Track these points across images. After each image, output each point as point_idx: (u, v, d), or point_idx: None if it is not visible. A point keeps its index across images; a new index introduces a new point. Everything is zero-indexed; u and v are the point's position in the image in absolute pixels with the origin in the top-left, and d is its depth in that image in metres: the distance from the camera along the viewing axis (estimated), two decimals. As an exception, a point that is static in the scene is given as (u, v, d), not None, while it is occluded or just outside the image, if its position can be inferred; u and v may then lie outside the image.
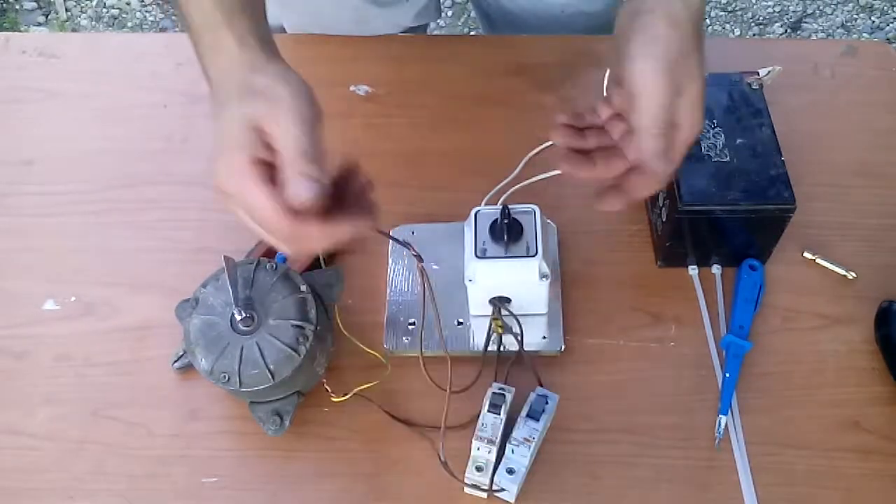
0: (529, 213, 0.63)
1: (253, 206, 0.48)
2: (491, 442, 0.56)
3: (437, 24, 1.92)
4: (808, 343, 0.67)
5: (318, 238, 0.51)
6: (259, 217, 0.49)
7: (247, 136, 0.48)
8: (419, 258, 0.63)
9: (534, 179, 0.75)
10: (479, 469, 0.57)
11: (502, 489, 0.58)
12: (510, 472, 0.57)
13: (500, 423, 0.57)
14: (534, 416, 0.58)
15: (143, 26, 2.08)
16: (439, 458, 0.59)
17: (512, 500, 0.59)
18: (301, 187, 0.47)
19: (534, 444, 0.57)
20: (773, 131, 0.68)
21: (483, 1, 1.01)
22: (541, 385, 0.61)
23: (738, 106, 0.70)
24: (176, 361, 0.65)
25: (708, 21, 2.10)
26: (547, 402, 0.58)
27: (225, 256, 0.57)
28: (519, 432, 0.57)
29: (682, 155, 0.55)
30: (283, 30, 0.96)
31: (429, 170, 0.78)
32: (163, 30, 2.07)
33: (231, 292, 0.57)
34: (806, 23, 2.06)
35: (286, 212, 0.48)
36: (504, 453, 0.58)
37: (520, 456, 0.57)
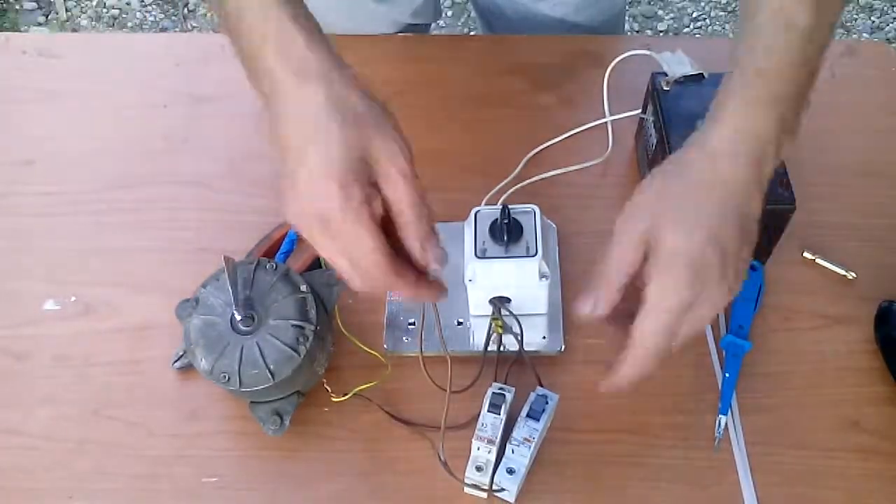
0: (529, 213, 0.63)
1: (359, 250, 0.45)
2: (491, 442, 0.56)
3: (437, 24, 1.92)
4: (808, 343, 0.67)
5: (405, 291, 0.48)
6: (361, 263, 0.46)
7: (356, 166, 0.45)
8: (419, 258, 0.63)
9: (534, 179, 0.75)
10: (478, 469, 0.57)
11: (502, 489, 0.58)
12: (510, 471, 0.57)
13: (500, 423, 0.57)
14: (534, 415, 0.58)
15: (143, 26, 2.08)
16: (439, 458, 0.59)
17: (512, 500, 0.59)
18: (436, 258, 0.47)
19: (534, 443, 0.57)
20: (773, 131, 0.68)
21: (482, 2, 1.01)
22: (541, 385, 0.61)
23: (738, 106, 0.70)
24: (176, 361, 0.65)
25: (708, 21, 2.10)
26: (547, 402, 0.58)
27: (225, 256, 0.57)
28: (519, 432, 0.57)
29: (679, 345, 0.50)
30: None
31: (429, 170, 0.77)
32: (163, 30, 2.07)
33: (231, 292, 0.57)
34: (806, 23, 2.05)
35: (393, 265, 0.46)
36: (504, 453, 0.58)
37: (520, 456, 0.57)
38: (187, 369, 0.65)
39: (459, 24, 2.06)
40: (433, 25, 1.10)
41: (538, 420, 0.57)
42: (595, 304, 0.50)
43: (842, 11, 0.50)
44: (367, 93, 0.47)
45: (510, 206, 0.61)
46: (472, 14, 2.04)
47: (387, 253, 0.46)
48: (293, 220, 0.47)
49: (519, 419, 0.58)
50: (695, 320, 0.48)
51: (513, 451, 0.57)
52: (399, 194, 0.46)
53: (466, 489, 0.59)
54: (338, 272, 0.48)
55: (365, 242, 0.45)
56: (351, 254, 0.46)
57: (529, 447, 0.57)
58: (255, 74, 0.49)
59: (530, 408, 0.58)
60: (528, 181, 0.75)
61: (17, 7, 2.10)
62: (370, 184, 0.46)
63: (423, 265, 0.48)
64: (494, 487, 0.57)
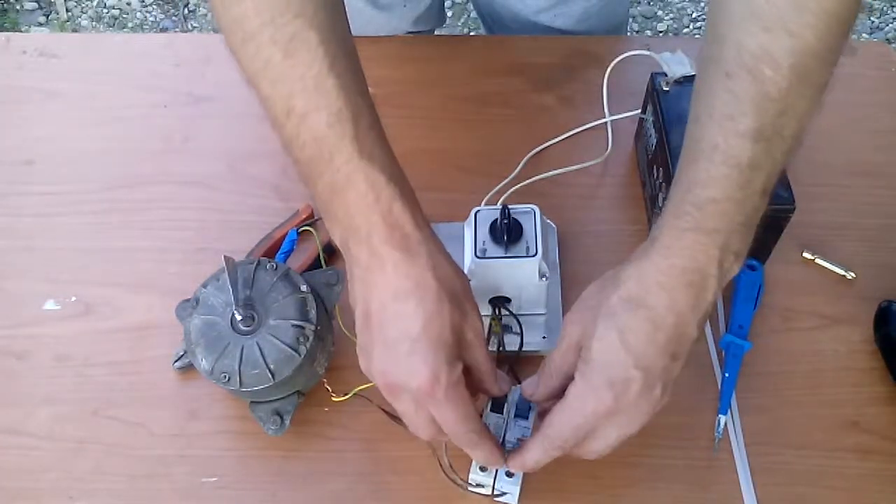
0: (529, 213, 0.63)
1: (451, 419, 0.48)
2: None
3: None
4: (807, 343, 0.67)
5: (479, 457, 0.53)
6: (450, 429, 0.49)
7: (454, 340, 0.47)
8: (419, 258, 0.63)
9: (534, 179, 0.75)
10: (482, 469, 0.57)
11: (504, 493, 0.57)
12: (508, 475, 0.57)
13: (503, 423, 0.57)
14: (522, 414, 0.57)
15: (144, 26, 2.08)
16: (440, 463, 0.59)
17: (514, 503, 0.59)
18: (504, 390, 0.54)
19: None
20: (773, 131, 0.68)
21: (484, 10, 1.01)
22: (519, 382, 0.60)
23: (737, 106, 0.70)
24: (176, 361, 0.65)
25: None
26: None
27: (225, 256, 0.57)
28: (512, 434, 0.57)
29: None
30: None
31: (428, 170, 0.78)
32: (163, 30, 2.07)
33: (231, 292, 0.58)
34: (806, 23, 2.05)
35: (480, 436, 0.50)
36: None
37: None
38: (187, 369, 0.65)
39: (459, 24, 2.06)
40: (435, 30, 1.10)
41: (527, 418, 0.57)
42: (535, 391, 0.55)
43: (802, 133, 0.49)
44: (454, 263, 0.50)
45: (510, 206, 0.61)
46: (473, 14, 2.04)
47: (478, 427, 0.50)
48: (379, 381, 0.49)
49: (508, 422, 0.57)
50: (609, 431, 0.50)
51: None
52: (480, 357, 0.51)
53: (470, 489, 0.59)
54: (410, 427, 0.51)
55: (459, 414, 0.48)
56: (442, 424, 0.49)
57: None
58: (348, 232, 0.48)
59: (517, 407, 0.58)
60: (528, 181, 0.75)
61: (18, 7, 2.10)
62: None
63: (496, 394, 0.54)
64: (496, 492, 0.57)
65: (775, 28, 0.44)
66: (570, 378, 0.50)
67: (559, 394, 0.51)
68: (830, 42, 0.45)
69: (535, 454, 0.52)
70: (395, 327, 0.47)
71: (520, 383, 0.60)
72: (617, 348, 0.47)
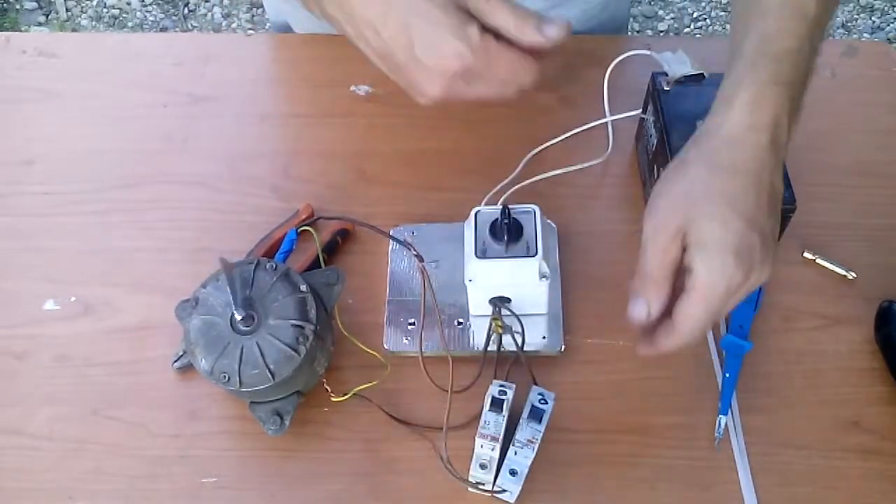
0: (529, 213, 0.63)
1: (505, 65, 0.51)
2: (495, 439, 0.56)
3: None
4: (808, 343, 0.67)
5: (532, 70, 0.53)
6: (508, 70, 0.51)
7: (462, 8, 0.49)
8: (419, 258, 0.63)
9: (534, 179, 0.75)
10: (482, 467, 0.57)
11: (504, 490, 0.57)
12: (513, 473, 0.57)
13: (502, 421, 0.57)
14: (536, 416, 0.57)
15: (144, 26, 2.08)
16: (441, 458, 0.59)
17: (512, 501, 0.59)
18: (560, 25, 0.52)
19: (537, 445, 0.57)
20: (773, 131, 0.68)
21: None
22: (535, 383, 0.60)
23: (738, 106, 0.70)
24: (176, 361, 0.65)
25: (708, 21, 2.10)
26: (546, 402, 0.58)
27: (221, 259, 0.57)
28: (522, 434, 0.57)
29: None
30: (289, 29, 0.96)
31: (429, 170, 0.78)
32: (163, 30, 2.07)
33: (231, 294, 0.57)
34: (806, 23, 2.05)
35: (528, 56, 0.51)
36: (505, 454, 0.58)
37: (523, 457, 0.57)
38: (187, 369, 0.65)
39: (459, 23, 2.06)
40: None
41: (540, 422, 0.57)
42: (651, 306, 0.52)
43: (839, 3, 0.53)
44: None
45: (510, 206, 0.61)
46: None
47: (520, 52, 0.51)
48: (447, 87, 0.52)
49: (521, 421, 0.57)
50: (737, 299, 0.50)
51: (515, 453, 0.57)
52: (503, 14, 0.50)
53: (470, 488, 0.59)
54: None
55: (507, 54, 0.50)
56: (502, 69, 0.51)
57: (533, 448, 0.57)
58: None
59: (531, 408, 0.58)
60: (528, 181, 0.75)
61: (18, 7, 2.10)
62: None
63: (549, 42, 0.52)
64: (496, 489, 0.57)
65: None
66: (675, 275, 0.50)
67: (669, 302, 0.51)
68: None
69: (672, 346, 0.52)
70: (406, 36, 0.50)
71: (536, 383, 0.60)
72: (733, 219, 0.48)
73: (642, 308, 0.52)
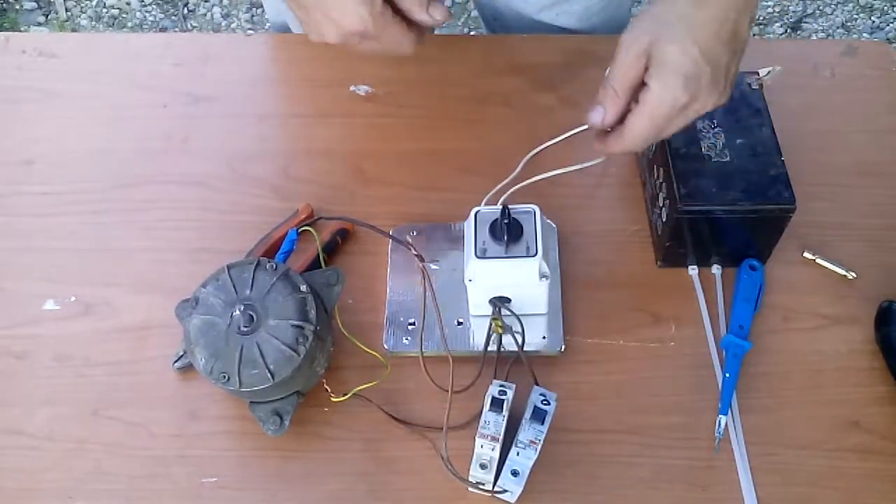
0: (529, 213, 0.63)
1: (394, 33, 0.58)
2: (495, 439, 0.56)
3: (437, 24, 1.92)
4: (808, 343, 0.67)
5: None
6: (395, 38, 0.58)
7: None
8: (419, 258, 0.63)
9: (534, 179, 0.75)
10: (483, 466, 0.57)
11: (505, 490, 0.57)
12: (514, 473, 0.57)
13: (502, 421, 0.57)
14: (538, 417, 0.57)
15: (143, 26, 2.08)
16: (442, 458, 0.59)
17: (513, 501, 0.59)
18: (442, 12, 0.59)
19: (539, 445, 0.57)
20: (773, 131, 0.68)
21: (485, 9, 1.01)
22: (537, 384, 0.60)
23: (737, 106, 0.70)
24: (176, 361, 0.65)
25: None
26: (549, 403, 0.58)
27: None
28: (524, 434, 0.57)
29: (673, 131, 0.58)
30: (289, 28, 0.96)
31: (429, 170, 0.78)
32: (163, 30, 2.07)
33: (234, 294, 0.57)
34: (806, 23, 2.06)
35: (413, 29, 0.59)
36: (507, 454, 0.57)
37: (525, 458, 0.57)
38: (187, 369, 0.65)
39: (459, 24, 2.06)
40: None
41: (543, 422, 0.57)
42: (606, 113, 0.59)
43: None
44: None
45: (510, 206, 0.61)
46: (473, 14, 2.04)
47: (407, 25, 0.59)
48: (333, 39, 0.59)
49: (523, 421, 0.57)
50: (680, 121, 0.57)
51: (518, 454, 0.57)
52: None
53: (470, 488, 0.59)
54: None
55: (398, 29, 0.58)
56: (386, 41, 0.59)
57: (536, 449, 0.56)
58: None
59: (534, 409, 0.58)
60: (528, 181, 0.75)
61: (17, 7, 2.10)
62: None
63: (433, 22, 0.60)
64: (497, 489, 0.57)
65: None
66: (634, 93, 0.57)
67: (623, 113, 0.58)
68: None
69: (619, 147, 0.59)
70: None
71: (537, 383, 0.60)
72: (689, 45, 0.54)
73: (597, 114, 0.59)
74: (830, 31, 2.04)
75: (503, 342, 0.64)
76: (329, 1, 0.57)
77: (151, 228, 0.74)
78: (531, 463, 0.57)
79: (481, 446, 0.57)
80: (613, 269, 0.71)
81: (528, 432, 0.57)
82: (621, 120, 0.59)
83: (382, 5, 0.57)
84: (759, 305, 0.68)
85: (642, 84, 0.57)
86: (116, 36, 1.74)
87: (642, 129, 0.57)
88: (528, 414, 0.57)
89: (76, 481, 0.61)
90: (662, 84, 0.55)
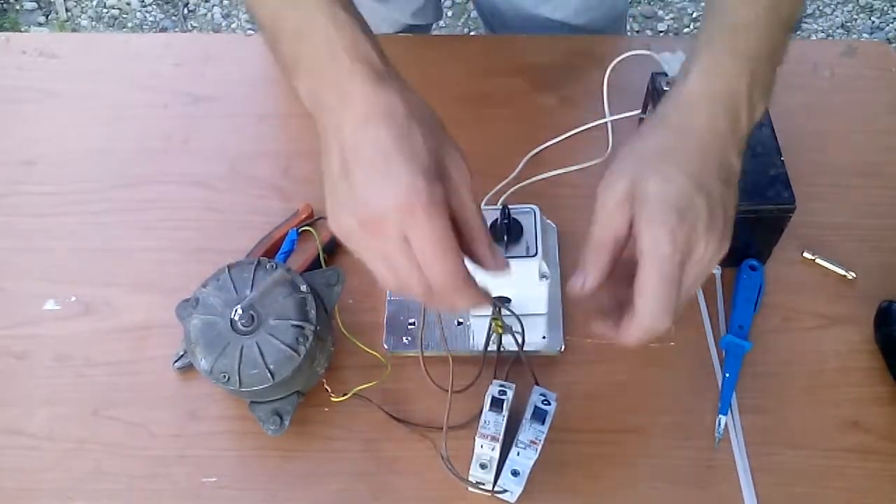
0: (529, 213, 0.63)
1: (432, 245, 0.44)
2: (495, 439, 0.56)
3: (437, 24, 1.92)
4: (808, 343, 0.67)
5: (467, 298, 0.47)
6: (431, 261, 0.44)
7: (431, 162, 0.44)
8: (419, 258, 0.63)
9: (534, 179, 0.75)
10: (482, 466, 0.57)
11: (505, 490, 0.57)
12: (515, 473, 0.57)
13: (502, 421, 0.57)
14: (539, 417, 0.57)
15: (144, 26, 2.08)
16: (442, 457, 0.59)
17: (513, 501, 0.59)
18: (502, 264, 0.47)
19: (540, 446, 0.57)
20: (773, 131, 0.68)
21: (483, 4, 1.01)
22: (537, 384, 0.60)
23: (738, 106, 0.70)
24: (176, 361, 0.65)
25: (708, 21, 2.10)
26: (549, 403, 0.58)
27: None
28: (525, 435, 0.57)
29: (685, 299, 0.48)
30: None
31: (429, 170, 0.78)
32: (163, 30, 2.07)
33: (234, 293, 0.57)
34: (806, 23, 2.06)
35: (467, 274, 0.46)
36: (507, 454, 0.57)
37: (525, 458, 0.57)
38: (187, 369, 0.65)
39: (459, 24, 2.06)
40: (433, 26, 1.10)
41: (543, 423, 0.57)
42: (585, 277, 0.49)
43: None
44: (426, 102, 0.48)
45: (510, 206, 0.61)
46: (472, 14, 2.04)
47: (462, 266, 0.46)
48: (358, 216, 0.46)
49: (523, 421, 0.57)
50: (692, 271, 0.47)
51: (518, 454, 0.57)
52: (465, 199, 0.47)
53: (470, 488, 0.59)
54: (389, 280, 0.47)
55: (441, 239, 0.44)
56: (423, 253, 0.44)
57: (536, 449, 0.56)
58: (314, 79, 0.47)
59: (534, 409, 0.58)
60: (528, 181, 0.75)
61: (18, 7, 2.10)
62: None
63: (492, 269, 0.48)
64: (497, 489, 0.57)
65: None
66: (620, 245, 0.48)
67: (609, 273, 0.48)
68: None
69: (638, 331, 0.48)
70: (369, 150, 0.45)
71: (537, 383, 0.60)
72: (675, 175, 0.46)
73: (577, 279, 0.49)
74: (830, 31, 2.04)
75: (503, 342, 0.64)
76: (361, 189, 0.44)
77: (151, 228, 0.74)
78: (532, 463, 0.57)
79: (481, 446, 0.57)
80: (613, 269, 0.71)
81: (529, 432, 0.57)
82: (618, 305, 0.50)
83: (444, 194, 0.45)
84: (759, 305, 0.68)
85: (630, 239, 0.47)
86: (117, 36, 1.74)
87: (654, 290, 0.46)
88: (528, 414, 0.57)
89: (76, 481, 0.61)
90: (654, 224, 0.45)
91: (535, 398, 0.58)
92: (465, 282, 0.46)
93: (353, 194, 0.45)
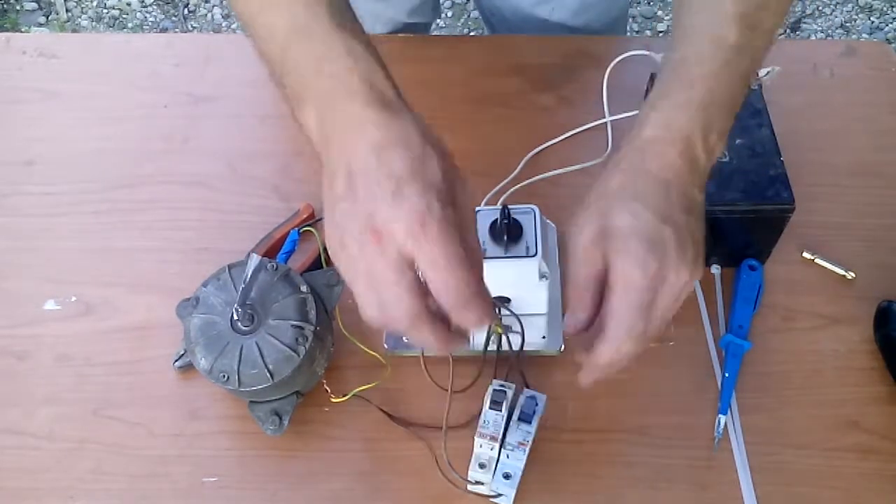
0: (529, 213, 0.63)
1: (442, 262, 0.43)
2: (494, 438, 0.56)
3: (437, 24, 1.92)
4: (807, 343, 0.67)
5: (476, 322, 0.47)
6: (439, 277, 0.44)
7: (445, 187, 0.44)
8: (419, 258, 0.63)
9: (534, 179, 0.75)
10: (482, 466, 0.57)
11: (500, 494, 0.57)
12: (507, 476, 0.57)
13: (501, 420, 0.57)
14: (525, 419, 0.57)
15: (144, 27, 2.08)
16: (441, 458, 0.59)
17: None
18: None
19: (528, 447, 0.57)
20: (773, 131, 0.68)
21: (484, 4, 1.01)
22: (527, 386, 0.60)
23: (737, 106, 0.70)
24: (177, 361, 0.65)
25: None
26: (537, 404, 0.58)
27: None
28: (513, 437, 0.57)
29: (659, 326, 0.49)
30: None
31: (429, 170, 0.78)
32: (163, 30, 2.07)
33: (237, 292, 0.57)
34: (805, 23, 2.06)
35: (478, 286, 0.45)
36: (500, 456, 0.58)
37: (515, 460, 0.57)
38: (187, 369, 0.65)
39: (459, 24, 2.06)
40: (433, 26, 1.10)
41: (530, 423, 0.57)
42: (574, 319, 0.50)
43: (776, 32, 0.54)
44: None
45: (510, 206, 0.61)
46: (472, 14, 2.05)
47: (472, 280, 0.45)
48: (360, 224, 0.44)
49: (511, 423, 0.57)
50: (665, 298, 0.48)
51: (508, 457, 0.57)
52: (470, 227, 0.47)
53: (470, 487, 0.59)
54: (387, 306, 0.45)
55: (452, 255, 0.43)
56: (431, 270, 0.44)
57: (525, 451, 0.57)
58: (325, 106, 0.47)
59: (521, 411, 0.58)
60: (528, 181, 0.75)
61: (18, 7, 2.10)
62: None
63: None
64: (491, 493, 0.57)
65: None
66: (601, 280, 0.49)
67: (597, 307, 0.49)
68: None
69: (607, 354, 0.49)
70: (381, 174, 0.44)
71: (527, 386, 0.60)
72: (641, 211, 0.48)
73: (571, 319, 0.51)
74: (830, 31, 2.04)
75: (503, 342, 0.64)
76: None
77: (152, 228, 0.74)
78: (522, 465, 0.57)
79: (480, 446, 0.57)
80: (613, 269, 0.71)
81: (517, 434, 0.57)
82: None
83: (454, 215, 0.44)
84: (759, 305, 0.68)
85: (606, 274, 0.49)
86: (117, 36, 1.74)
87: (623, 313, 0.48)
88: (514, 415, 0.57)
89: (76, 481, 0.61)
90: (624, 255, 0.47)
91: (521, 399, 0.58)
92: (479, 293, 0.46)
93: (356, 206, 0.45)
